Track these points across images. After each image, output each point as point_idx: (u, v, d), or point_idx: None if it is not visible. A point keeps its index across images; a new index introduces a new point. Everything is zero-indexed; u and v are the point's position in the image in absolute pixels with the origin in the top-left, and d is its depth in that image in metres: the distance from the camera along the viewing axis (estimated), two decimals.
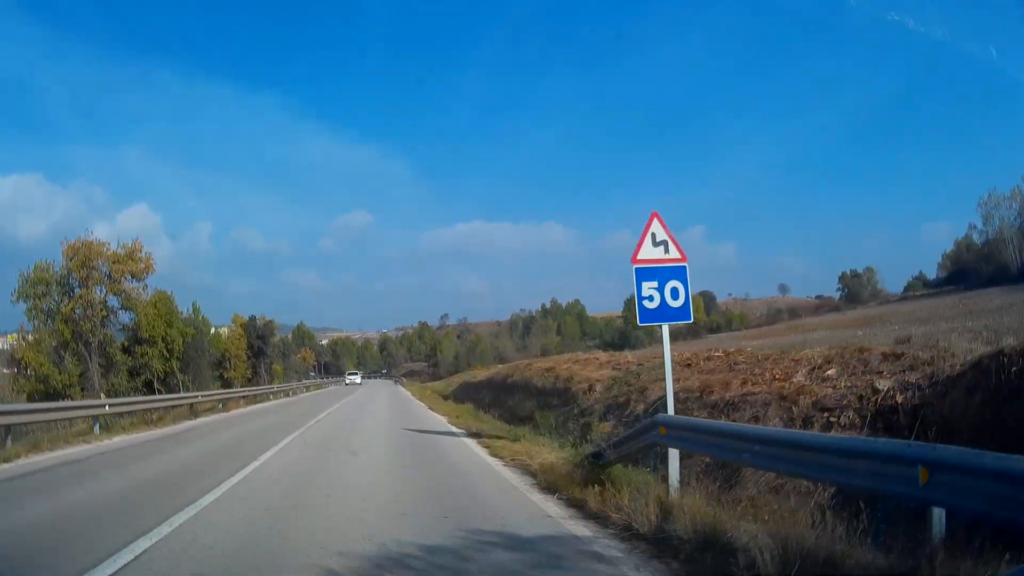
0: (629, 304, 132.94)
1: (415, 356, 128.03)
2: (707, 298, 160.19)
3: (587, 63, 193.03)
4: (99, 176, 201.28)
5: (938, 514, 3.67)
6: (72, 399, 27.72)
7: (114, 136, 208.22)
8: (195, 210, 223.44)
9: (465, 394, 35.99)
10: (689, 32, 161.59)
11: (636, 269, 7.00)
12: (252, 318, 62.16)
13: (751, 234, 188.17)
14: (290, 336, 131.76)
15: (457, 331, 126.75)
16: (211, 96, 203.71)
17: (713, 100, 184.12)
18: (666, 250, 6.96)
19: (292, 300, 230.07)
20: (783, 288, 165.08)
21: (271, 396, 42.74)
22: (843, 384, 8.04)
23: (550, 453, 9.67)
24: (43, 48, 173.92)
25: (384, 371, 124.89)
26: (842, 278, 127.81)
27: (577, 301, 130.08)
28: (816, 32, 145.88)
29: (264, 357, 61.63)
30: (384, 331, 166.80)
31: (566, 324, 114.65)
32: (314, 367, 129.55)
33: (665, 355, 7.10)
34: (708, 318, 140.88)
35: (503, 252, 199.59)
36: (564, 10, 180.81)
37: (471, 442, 13.47)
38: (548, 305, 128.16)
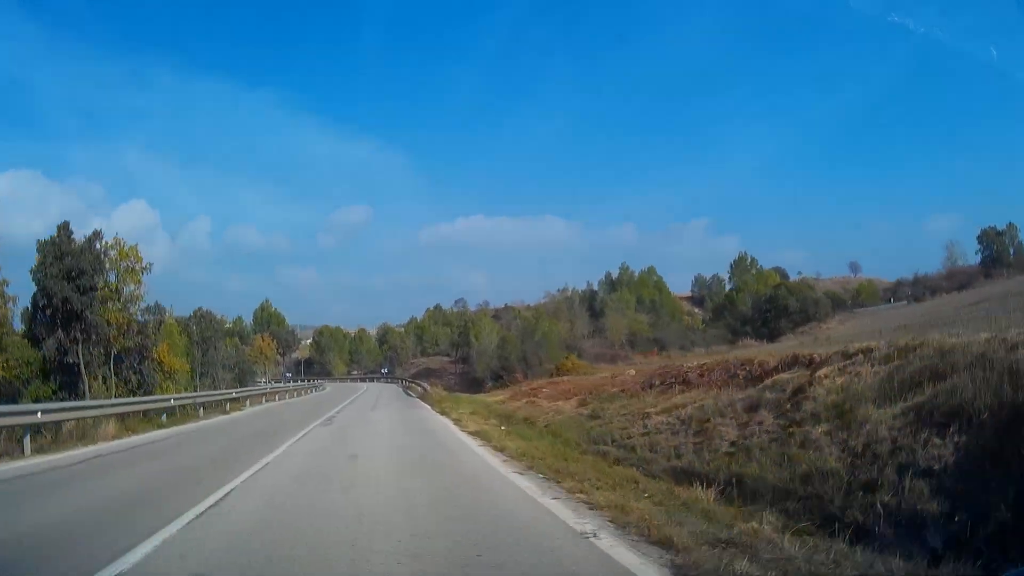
0: (740, 266, 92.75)
1: (430, 348, 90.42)
2: (780, 274, 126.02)
3: (588, 54, 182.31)
4: (97, 172, 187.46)
5: None
6: None
7: (111, 132, 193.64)
8: (193, 206, 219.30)
9: None
10: (688, 29, 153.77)
11: None
12: (63, 227, 24.79)
13: (754, 225, 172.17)
14: (251, 321, 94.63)
15: (490, 313, 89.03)
16: (207, 91, 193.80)
17: (716, 92, 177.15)
18: None
19: (289, 297, 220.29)
20: (854, 267, 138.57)
21: None
22: None
23: None
24: (38, 44, 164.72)
25: (385, 370, 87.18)
26: (983, 236, 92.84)
27: (652, 269, 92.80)
28: (817, 30, 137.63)
29: (83, 329, 24.28)
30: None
31: (663, 300, 77.93)
32: (281, 363, 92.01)
33: None
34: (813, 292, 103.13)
35: (505, 245, 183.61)
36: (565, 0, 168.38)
37: None
38: (616, 275, 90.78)
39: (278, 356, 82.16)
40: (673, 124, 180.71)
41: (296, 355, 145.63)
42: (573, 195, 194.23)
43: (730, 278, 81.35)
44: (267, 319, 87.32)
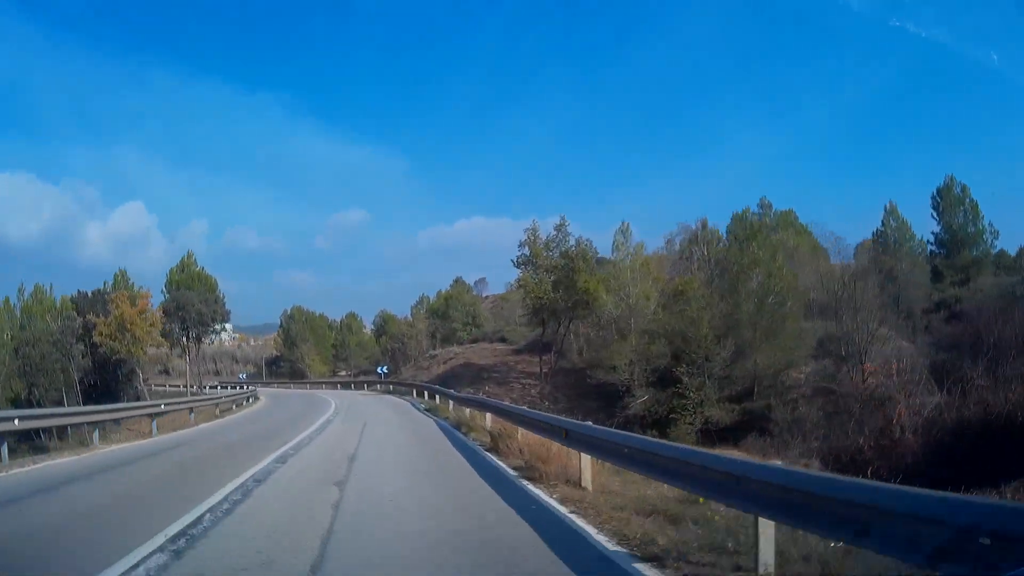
0: None
1: (464, 332, 52.88)
2: None
3: (585, 57, 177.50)
4: (94, 175, 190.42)
5: None
6: None
7: (108, 135, 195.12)
8: (190, 209, 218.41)
9: None
10: (689, 31, 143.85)
11: None
12: None
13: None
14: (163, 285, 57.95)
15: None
16: (205, 95, 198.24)
17: (713, 95, 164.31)
18: None
19: (285, 300, 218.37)
20: None
21: None
22: None
23: None
24: (35, 47, 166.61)
25: (383, 370, 50.31)
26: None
27: (792, 213, 56.14)
28: (817, 33, 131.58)
29: None
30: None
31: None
32: (194, 351, 55.14)
33: None
34: None
35: (508, 247, 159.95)
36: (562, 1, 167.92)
37: None
38: (751, 217, 54.44)
39: (187, 342, 45.68)
40: (673, 126, 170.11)
41: (238, 346, 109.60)
42: (574, 197, 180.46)
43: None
44: (188, 282, 51.03)
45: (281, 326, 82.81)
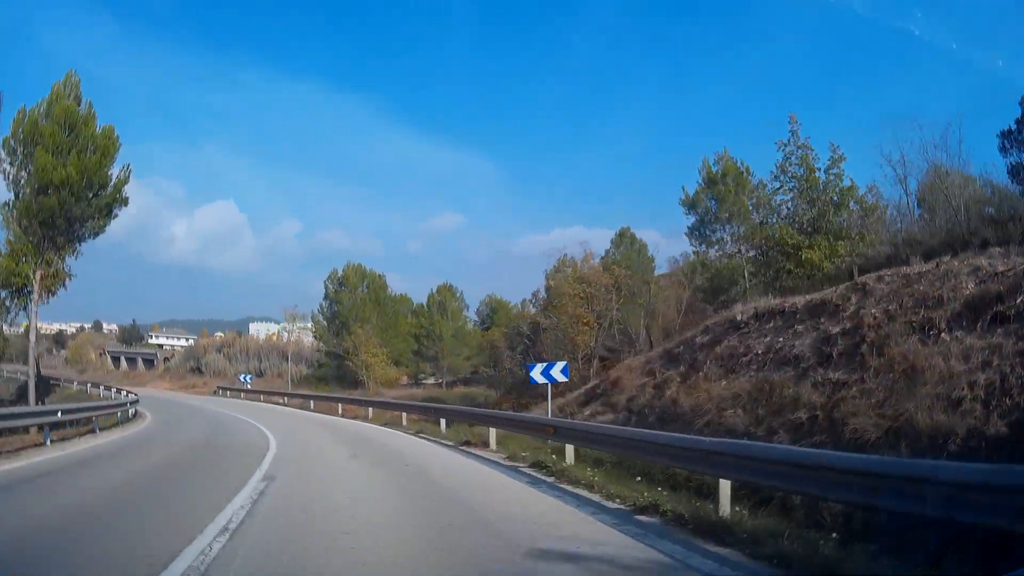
0: None
1: (811, 256, 15.81)
2: None
3: (678, 67, 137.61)
4: (182, 173, 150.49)
5: None
6: None
7: (198, 135, 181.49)
8: (281, 209, 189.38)
9: None
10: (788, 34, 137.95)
11: None
12: None
13: None
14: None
15: None
16: (296, 97, 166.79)
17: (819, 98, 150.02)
18: None
19: None
20: None
21: None
22: None
23: None
24: (126, 47, 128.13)
25: (547, 375, 15.11)
26: None
27: None
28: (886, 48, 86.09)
29: None
30: None
31: None
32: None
33: None
34: None
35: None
36: (655, 13, 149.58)
37: None
38: None
39: None
40: (769, 129, 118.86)
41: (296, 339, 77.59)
42: (665, 209, 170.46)
43: None
44: (50, 133, 18.62)
45: (326, 297, 49.01)
